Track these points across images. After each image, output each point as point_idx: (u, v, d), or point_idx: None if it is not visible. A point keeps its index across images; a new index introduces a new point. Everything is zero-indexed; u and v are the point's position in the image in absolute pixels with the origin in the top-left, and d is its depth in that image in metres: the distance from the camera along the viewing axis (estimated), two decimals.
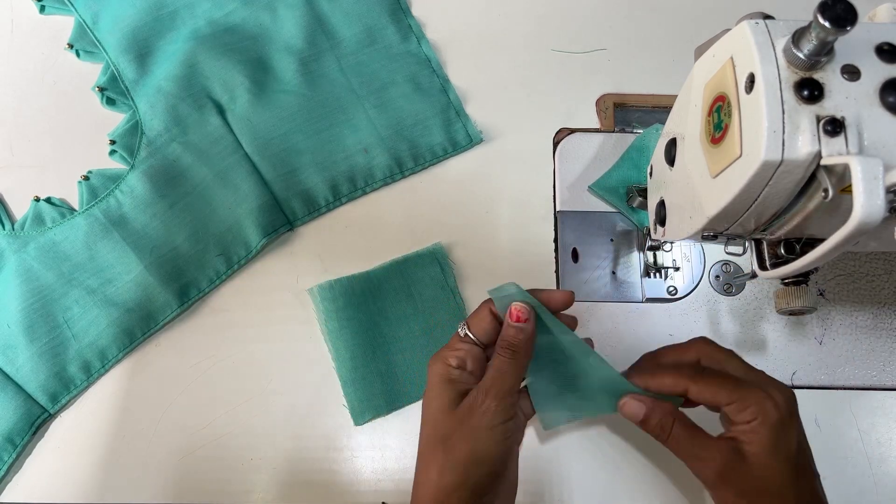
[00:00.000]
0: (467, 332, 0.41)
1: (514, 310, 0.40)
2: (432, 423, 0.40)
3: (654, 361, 0.43)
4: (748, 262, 0.53)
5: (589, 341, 0.43)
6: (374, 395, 0.50)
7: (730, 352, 0.41)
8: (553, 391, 0.43)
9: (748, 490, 0.36)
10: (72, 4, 0.59)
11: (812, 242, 0.35)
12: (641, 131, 0.56)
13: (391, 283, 0.53)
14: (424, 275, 0.53)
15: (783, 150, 0.29)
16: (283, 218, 0.54)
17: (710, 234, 0.38)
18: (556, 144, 0.57)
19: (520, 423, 0.42)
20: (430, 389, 0.40)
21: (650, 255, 0.53)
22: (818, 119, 0.29)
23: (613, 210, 0.55)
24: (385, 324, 0.52)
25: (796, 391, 0.51)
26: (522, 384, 0.42)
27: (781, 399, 0.37)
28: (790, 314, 0.40)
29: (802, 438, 0.38)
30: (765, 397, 0.37)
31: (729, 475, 0.37)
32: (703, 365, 0.41)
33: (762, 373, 0.40)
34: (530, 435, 0.50)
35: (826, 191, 0.29)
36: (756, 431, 0.36)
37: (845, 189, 0.29)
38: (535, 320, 0.40)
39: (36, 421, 0.49)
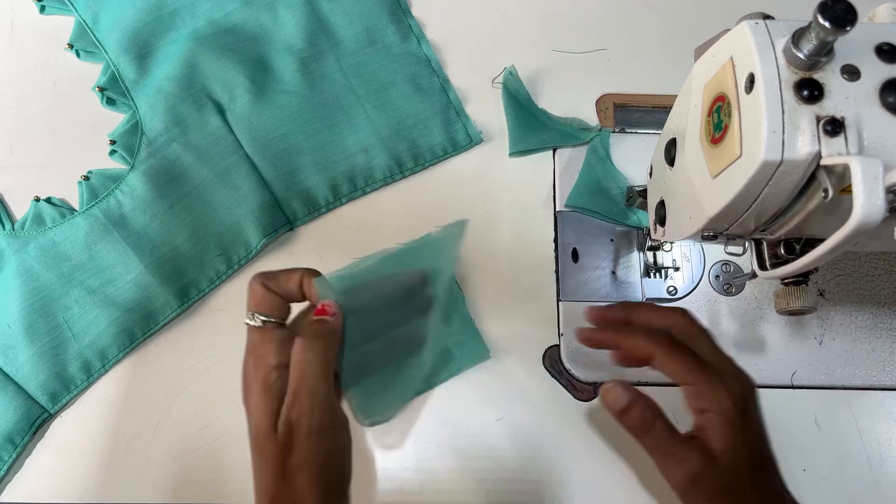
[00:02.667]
0: (263, 318, 0.37)
1: (321, 305, 0.38)
2: (260, 439, 0.37)
3: (626, 315, 0.41)
4: (748, 262, 0.53)
5: None
6: (380, 391, 0.50)
7: (704, 330, 0.39)
8: (363, 372, 0.41)
9: (716, 493, 0.35)
10: (72, 4, 0.59)
11: (812, 242, 0.35)
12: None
13: (388, 277, 0.52)
14: (421, 266, 0.52)
15: (783, 150, 0.29)
16: (283, 218, 0.54)
17: (710, 234, 0.38)
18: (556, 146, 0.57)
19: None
20: (249, 404, 0.37)
21: (650, 255, 0.53)
22: (818, 119, 0.29)
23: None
24: (384, 317, 0.52)
25: (796, 391, 0.51)
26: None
27: (737, 390, 0.36)
28: (790, 314, 0.40)
29: (760, 428, 0.37)
30: (719, 387, 0.35)
31: (701, 478, 0.35)
32: (673, 336, 0.38)
33: (729, 359, 0.38)
34: (530, 434, 0.50)
35: (826, 191, 0.29)
36: (715, 426, 0.35)
37: (845, 189, 0.29)
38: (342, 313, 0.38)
39: (36, 421, 0.49)
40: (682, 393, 0.37)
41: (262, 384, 0.37)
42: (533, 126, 0.57)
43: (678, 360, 0.37)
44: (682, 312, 0.40)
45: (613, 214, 0.54)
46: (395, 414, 0.50)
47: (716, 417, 0.35)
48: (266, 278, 0.38)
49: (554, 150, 0.57)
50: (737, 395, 0.36)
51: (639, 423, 0.37)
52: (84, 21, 0.58)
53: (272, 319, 0.38)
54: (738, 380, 0.36)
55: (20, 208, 0.55)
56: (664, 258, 0.53)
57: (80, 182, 0.54)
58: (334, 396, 0.37)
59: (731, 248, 0.40)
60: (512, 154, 0.56)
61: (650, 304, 0.42)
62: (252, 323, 0.38)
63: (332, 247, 0.54)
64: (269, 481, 0.36)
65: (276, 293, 0.38)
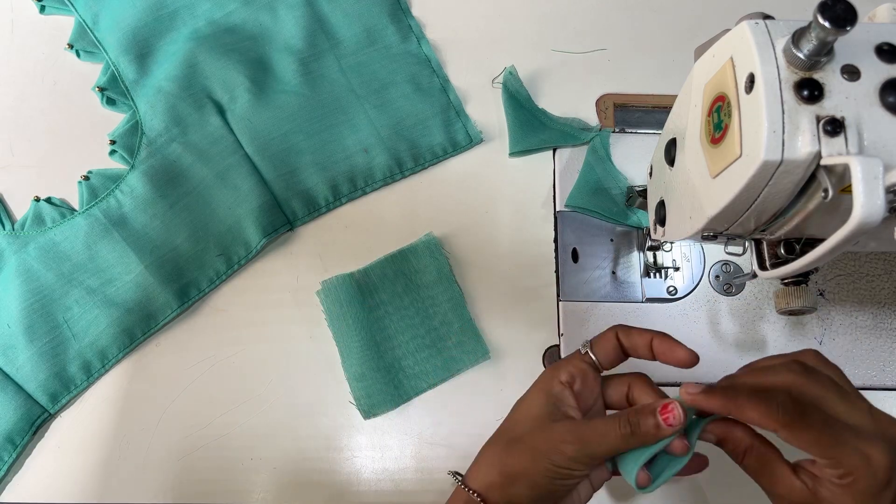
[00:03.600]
0: (588, 351, 0.39)
1: (670, 406, 0.35)
2: (512, 421, 0.39)
3: (737, 382, 0.36)
4: (748, 262, 0.53)
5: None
6: (382, 389, 0.50)
7: (830, 382, 0.34)
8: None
9: None
10: (72, 4, 0.59)
11: (812, 242, 0.35)
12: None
13: (389, 277, 0.53)
14: (420, 266, 0.53)
15: (783, 150, 0.29)
16: (283, 218, 0.54)
17: (710, 234, 0.38)
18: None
19: (587, 484, 0.39)
20: (529, 391, 0.39)
21: (650, 255, 0.53)
22: (818, 119, 0.29)
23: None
24: (387, 317, 0.52)
25: None
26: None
27: (883, 462, 0.31)
28: (790, 314, 0.40)
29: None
30: (863, 460, 0.31)
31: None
32: (793, 396, 0.33)
33: (871, 416, 0.34)
34: None
35: (826, 191, 0.29)
36: (844, 491, 0.32)
37: (845, 189, 0.29)
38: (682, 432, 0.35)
39: (36, 421, 0.49)
40: (817, 461, 0.33)
41: (543, 384, 0.39)
42: (533, 126, 0.57)
43: (809, 431, 0.32)
44: (801, 367, 0.35)
45: (613, 214, 0.54)
46: (392, 408, 0.50)
47: (848, 486, 0.31)
48: (622, 332, 0.39)
49: (554, 151, 0.57)
50: (883, 465, 0.31)
51: (732, 451, 0.37)
52: (84, 21, 0.58)
53: (593, 358, 0.39)
54: (882, 448, 0.31)
55: (20, 208, 0.55)
56: (664, 258, 0.53)
57: (80, 182, 0.54)
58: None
59: (731, 248, 0.40)
60: (512, 154, 0.56)
61: (762, 362, 0.37)
62: (580, 349, 0.39)
63: (332, 247, 0.54)
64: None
65: (620, 346, 0.39)
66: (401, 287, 0.53)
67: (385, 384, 0.50)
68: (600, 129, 0.56)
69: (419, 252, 0.53)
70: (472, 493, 0.37)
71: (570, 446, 0.35)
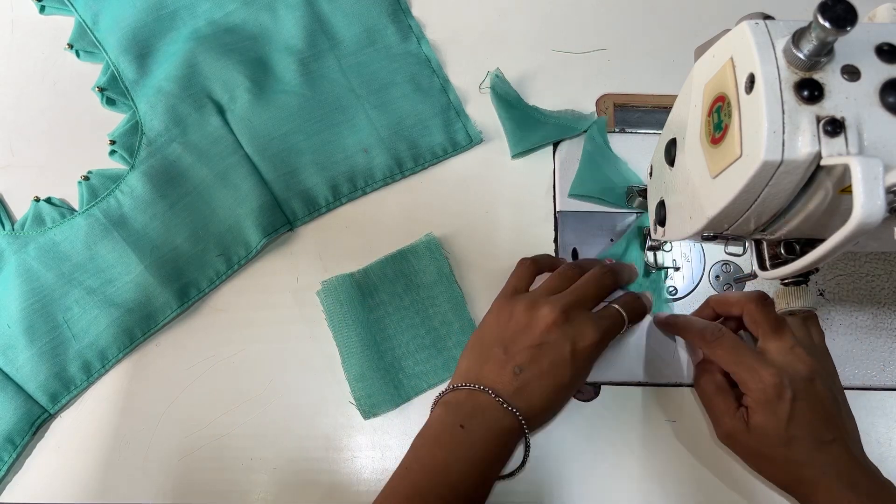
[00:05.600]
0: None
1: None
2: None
3: (709, 303, 0.49)
4: (748, 262, 0.53)
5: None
6: (382, 389, 0.50)
7: (773, 316, 0.44)
8: None
9: (747, 453, 0.45)
10: (72, 4, 0.59)
11: (812, 242, 0.35)
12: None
13: (389, 277, 0.53)
14: (420, 266, 0.53)
15: (783, 150, 0.29)
16: (283, 218, 0.54)
17: (710, 234, 0.38)
18: (556, 144, 0.57)
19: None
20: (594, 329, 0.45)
21: (650, 255, 0.53)
22: (818, 119, 0.29)
23: (613, 210, 0.55)
24: (387, 317, 0.52)
25: None
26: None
27: (769, 381, 0.42)
28: (790, 314, 0.40)
29: (799, 411, 0.42)
30: (754, 376, 0.42)
31: (733, 437, 0.44)
32: (723, 332, 0.45)
33: (791, 352, 0.43)
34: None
35: (826, 191, 0.29)
36: (751, 408, 0.43)
37: (845, 189, 0.29)
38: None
39: (36, 421, 0.49)
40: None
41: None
42: (529, 124, 0.57)
43: (718, 353, 0.44)
44: (756, 300, 0.45)
45: (617, 199, 0.54)
46: (392, 408, 0.50)
47: (750, 402, 0.43)
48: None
49: (554, 149, 0.57)
50: (769, 384, 0.42)
51: (696, 378, 0.47)
52: (84, 21, 0.58)
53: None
54: (774, 373, 0.42)
55: (20, 208, 0.55)
56: (664, 258, 0.53)
57: (80, 182, 0.54)
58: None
59: (731, 248, 0.40)
60: (514, 156, 0.56)
61: (726, 295, 0.48)
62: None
63: (332, 247, 0.54)
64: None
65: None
66: (401, 287, 0.53)
67: (385, 384, 0.50)
68: (596, 118, 0.56)
69: (419, 252, 0.53)
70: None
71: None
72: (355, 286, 0.52)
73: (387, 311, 0.52)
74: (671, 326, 0.50)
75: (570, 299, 0.44)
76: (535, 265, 0.48)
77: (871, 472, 0.42)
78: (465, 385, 0.43)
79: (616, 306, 0.46)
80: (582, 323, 0.43)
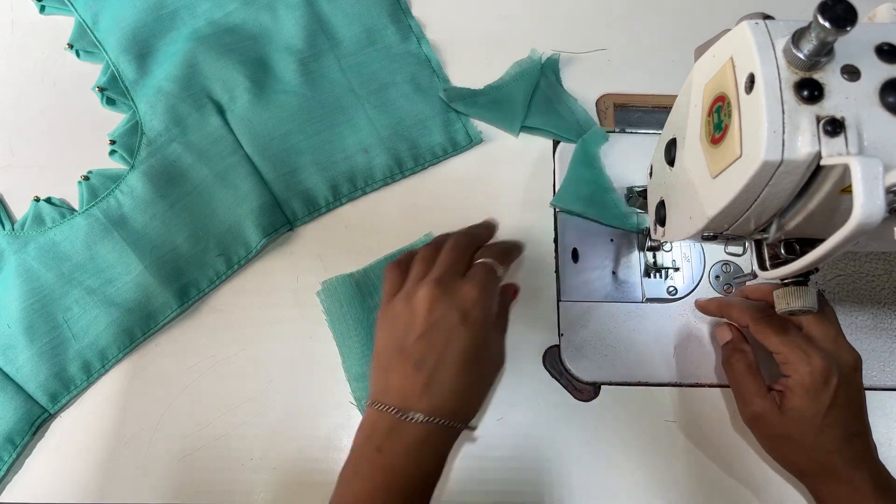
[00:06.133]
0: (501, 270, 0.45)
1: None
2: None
3: (743, 292, 0.50)
4: (748, 262, 0.53)
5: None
6: None
7: (821, 309, 0.43)
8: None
9: (773, 437, 0.45)
10: (72, 4, 0.59)
11: (812, 242, 0.35)
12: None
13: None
14: None
15: (783, 150, 0.29)
16: (283, 218, 0.54)
17: (710, 234, 0.38)
18: (556, 144, 0.57)
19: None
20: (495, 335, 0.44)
21: (650, 255, 0.53)
22: (818, 119, 0.29)
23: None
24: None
25: None
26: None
27: (818, 366, 0.42)
28: (790, 314, 0.40)
29: (840, 400, 0.42)
30: (801, 360, 0.42)
31: (759, 422, 0.45)
32: (765, 306, 0.46)
33: (830, 337, 0.44)
34: (530, 434, 0.50)
35: (826, 191, 0.29)
36: (792, 390, 0.43)
37: (845, 189, 0.29)
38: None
39: (36, 421, 0.49)
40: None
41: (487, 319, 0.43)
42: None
43: (767, 331, 0.44)
44: None
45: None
46: None
47: (793, 384, 0.43)
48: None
49: (554, 149, 0.57)
50: (818, 368, 0.42)
51: (725, 359, 0.48)
52: (84, 21, 0.58)
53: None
54: (824, 357, 0.42)
55: (20, 208, 0.55)
56: (664, 258, 0.53)
57: (80, 182, 0.54)
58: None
59: (731, 248, 0.40)
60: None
61: (761, 285, 0.49)
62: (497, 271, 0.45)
63: (332, 247, 0.54)
64: None
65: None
66: None
67: None
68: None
69: None
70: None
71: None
72: (355, 286, 0.52)
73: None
74: (718, 307, 0.50)
75: (438, 272, 0.42)
76: (399, 266, 0.45)
77: (885, 468, 0.43)
78: (375, 404, 0.40)
79: (481, 260, 0.44)
80: (457, 287, 0.41)
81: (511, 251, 0.46)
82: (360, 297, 0.52)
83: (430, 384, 0.39)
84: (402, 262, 0.45)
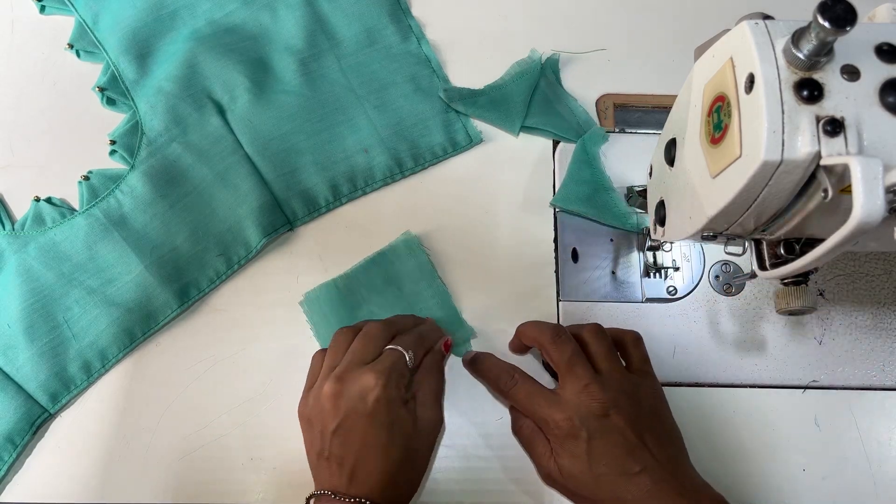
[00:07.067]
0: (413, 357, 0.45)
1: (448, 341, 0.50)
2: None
3: (516, 334, 0.50)
4: (748, 262, 0.53)
5: None
6: None
7: (570, 355, 0.44)
8: None
9: (567, 493, 0.45)
10: (72, 4, 0.59)
11: (812, 242, 0.35)
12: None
13: (372, 278, 0.53)
14: (402, 266, 0.53)
15: (783, 150, 0.29)
16: (283, 218, 0.54)
17: (709, 234, 0.38)
18: (556, 144, 0.57)
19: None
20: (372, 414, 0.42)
21: (650, 255, 0.53)
22: (818, 119, 0.29)
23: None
24: (372, 318, 0.52)
25: (795, 391, 0.51)
26: None
27: (562, 424, 0.42)
28: (790, 314, 0.40)
29: (599, 450, 0.42)
30: (551, 422, 0.43)
31: (551, 481, 0.45)
32: (558, 335, 0.45)
33: (584, 391, 0.43)
34: None
35: (826, 191, 0.29)
36: (555, 451, 0.43)
37: (845, 189, 0.29)
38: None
39: (36, 421, 0.49)
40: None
41: (385, 400, 0.42)
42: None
43: (516, 399, 0.46)
44: (550, 338, 0.45)
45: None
46: None
47: (553, 444, 0.44)
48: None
49: (554, 149, 0.57)
50: (562, 427, 0.42)
51: (514, 423, 0.48)
52: (84, 21, 0.58)
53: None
54: (567, 414, 0.42)
55: (20, 208, 0.55)
56: (664, 258, 0.53)
57: (80, 182, 0.54)
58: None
59: (731, 248, 0.40)
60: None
61: (529, 326, 0.48)
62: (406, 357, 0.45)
63: (332, 247, 0.54)
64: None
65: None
66: (384, 286, 0.52)
67: None
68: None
69: (399, 251, 0.53)
70: None
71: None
72: (337, 294, 0.52)
73: (371, 311, 0.52)
74: (473, 370, 0.50)
75: (343, 366, 0.43)
76: (323, 352, 0.46)
77: (691, 492, 0.41)
78: (314, 495, 0.41)
79: (390, 346, 0.44)
80: (357, 378, 0.41)
81: (427, 336, 0.47)
82: (344, 304, 0.52)
83: (354, 478, 0.40)
84: (331, 345, 0.46)
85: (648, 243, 0.53)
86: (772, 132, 0.29)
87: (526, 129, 0.57)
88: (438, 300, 0.52)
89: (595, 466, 0.41)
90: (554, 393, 0.44)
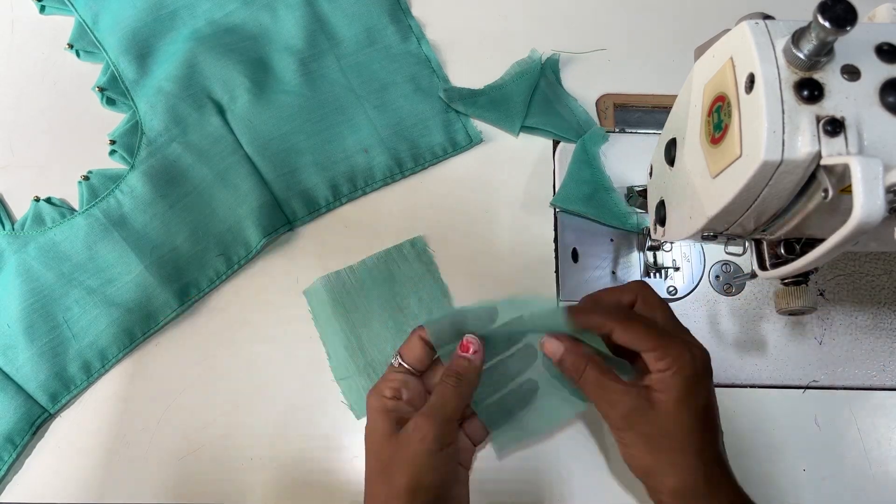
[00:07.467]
0: (401, 361, 0.42)
1: (465, 341, 0.42)
2: (374, 453, 0.41)
3: (591, 300, 0.44)
4: (748, 262, 0.53)
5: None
6: (512, 433, 0.49)
7: (664, 302, 0.42)
8: (504, 412, 0.45)
9: (651, 434, 0.38)
10: (72, 4, 0.59)
11: (812, 242, 0.35)
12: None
13: (375, 276, 0.53)
14: (406, 266, 0.53)
15: (783, 150, 0.29)
16: (283, 218, 0.54)
17: (710, 234, 0.38)
18: (556, 144, 0.57)
19: (463, 447, 0.43)
20: (369, 422, 0.42)
21: (650, 255, 0.53)
22: (818, 119, 0.29)
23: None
24: (373, 316, 0.52)
25: (795, 391, 0.51)
26: (470, 410, 0.44)
27: (699, 355, 0.38)
28: (790, 314, 0.40)
29: (712, 397, 0.39)
30: (684, 350, 0.38)
31: (633, 418, 0.38)
32: (635, 311, 0.42)
33: (686, 330, 0.41)
34: None
35: (826, 191, 0.29)
36: (669, 381, 0.38)
37: (845, 189, 0.29)
38: (484, 351, 0.42)
39: (36, 421, 0.49)
40: (640, 363, 0.40)
41: (375, 410, 0.41)
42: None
43: (639, 329, 0.39)
44: (641, 283, 0.43)
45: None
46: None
47: (672, 375, 0.38)
48: (423, 331, 0.42)
49: (554, 149, 0.57)
50: (700, 357, 0.38)
51: (572, 370, 0.41)
52: (84, 21, 0.58)
53: (405, 365, 0.42)
54: (698, 346, 0.39)
55: (20, 208, 0.55)
56: (664, 258, 0.53)
57: (80, 182, 0.54)
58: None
59: (731, 248, 0.40)
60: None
61: (611, 288, 0.44)
62: (393, 362, 0.43)
63: (332, 247, 0.54)
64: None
65: (427, 345, 0.42)
66: (387, 285, 0.53)
67: (372, 383, 0.50)
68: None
69: (405, 251, 0.53)
70: None
71: (426, 427, 0.39)
72: (341, 286, 0.52)
73: (372, 309, 0.52)
74: (578, 318, 0.42)
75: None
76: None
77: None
78: None
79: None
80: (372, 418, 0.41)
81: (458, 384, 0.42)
82: (347, 298, 0.52)
83: None
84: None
85: (648, 243, 0.53)
86: (772, 132, 0.29)
87: (526, 129, 0.57)
88: (438, 302, 0.52)
89: (708, 412, 0.39)
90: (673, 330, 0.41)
